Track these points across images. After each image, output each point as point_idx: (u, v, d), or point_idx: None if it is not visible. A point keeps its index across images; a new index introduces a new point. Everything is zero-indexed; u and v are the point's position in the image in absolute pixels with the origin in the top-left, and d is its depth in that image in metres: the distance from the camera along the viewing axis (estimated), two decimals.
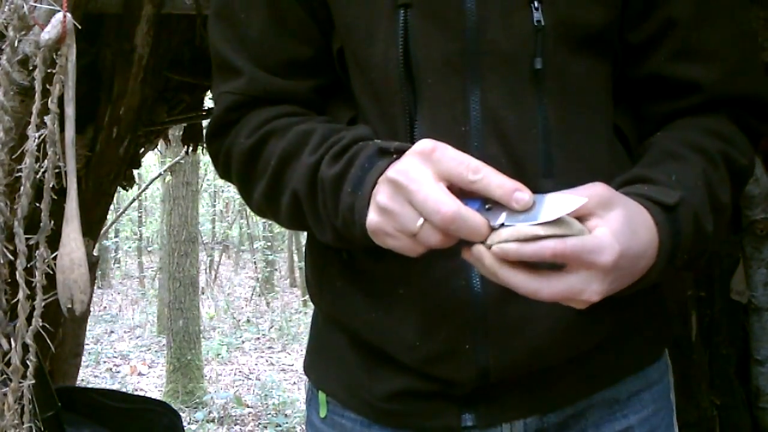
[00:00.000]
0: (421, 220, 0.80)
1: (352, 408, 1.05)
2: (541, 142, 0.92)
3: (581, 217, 0.79)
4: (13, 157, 1.21)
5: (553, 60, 0.92)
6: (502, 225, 0.77)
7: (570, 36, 0.93)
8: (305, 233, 1.10)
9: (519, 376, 0.96)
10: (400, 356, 0.99)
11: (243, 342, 10.28)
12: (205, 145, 1.11)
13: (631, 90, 1.02)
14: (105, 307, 12.88)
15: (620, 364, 1.03)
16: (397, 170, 0.82)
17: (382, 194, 0.83)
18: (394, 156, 0.85)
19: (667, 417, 1.08)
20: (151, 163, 12.03)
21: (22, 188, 1.18)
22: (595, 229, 0.79)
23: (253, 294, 13.99)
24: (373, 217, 0.84)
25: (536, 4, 0.90)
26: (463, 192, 0.80)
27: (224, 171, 1.06)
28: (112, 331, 10.99)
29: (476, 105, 0.92)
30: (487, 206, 0.79)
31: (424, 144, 0.82)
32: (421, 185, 0.79)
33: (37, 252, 1.19)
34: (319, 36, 1.01)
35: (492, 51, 0.91)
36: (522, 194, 0.78)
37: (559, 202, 0.78)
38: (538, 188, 0.82)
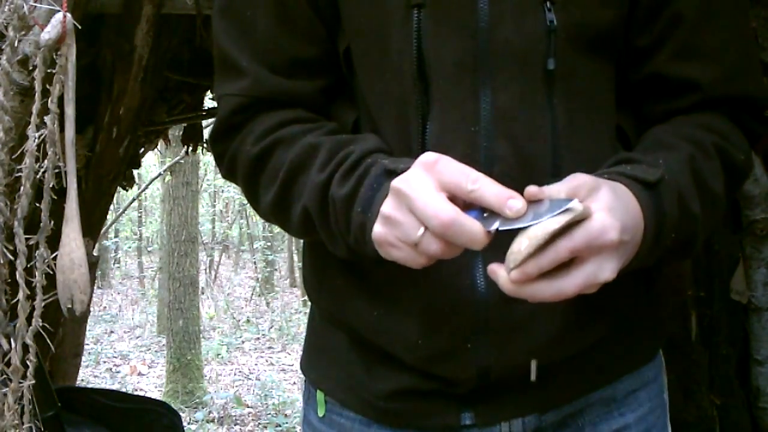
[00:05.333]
0: (422, 229, 0.81)
1: (351, 407, 1.06)
2: (550, 142, 0.93)
3: None
4: (13, 157, 1.21)
5: (564, 61, 0.92)
6: (497, 230, 0.79)
7: (580, 37, 0.93)
8: None
9: (518, 375, 0.97)
10: (401, 355, 0.99)
11: (243, 342, 10.27)
12: (208, 146, 1.11)
13: (632, 91, 1.02)
14: (105, 307, 12.88)
15: (617, 363, 1.03)
16: (400, 179, 0.84)
17: (386, 204, 0.85)
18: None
19: (662, 416, 1.09)
20: (151, 163, 12.03)
21: (22, 188, 1.18)
22: (593, 213, 0.80)
23: (253, 294, 13.98)
24: (378, 228, 0.85)
25: (548, 4, 0.91)
26: (464, 205, 0.81)
27: (228, 173, 1.06)
28: (112, 331, 10.98)
29: (487, 105, 0.92)
30: (485, 214, 0.81)
31: (428, 156, 0.84)
32: (421, 193, 0.81)
33: (37, 252, 1.19)
34: (325, 35, 1.00)
35: (504, 51, 0.91)
36: (515, 201, 0.79)
37: (550, 206, 0.79)
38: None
